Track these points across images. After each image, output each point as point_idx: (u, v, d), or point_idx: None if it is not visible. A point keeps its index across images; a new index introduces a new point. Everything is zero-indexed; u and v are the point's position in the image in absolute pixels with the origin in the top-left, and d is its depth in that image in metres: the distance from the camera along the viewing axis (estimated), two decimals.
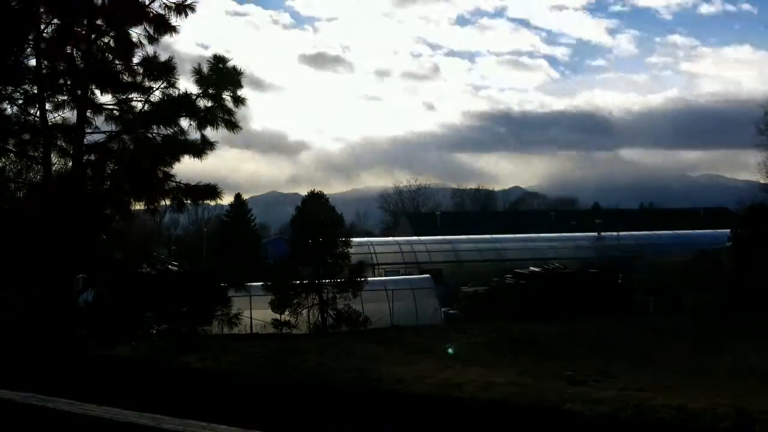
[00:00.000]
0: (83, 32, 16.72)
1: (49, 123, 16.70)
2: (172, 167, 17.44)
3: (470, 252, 43.19)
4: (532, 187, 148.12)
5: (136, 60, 16.73)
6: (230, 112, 17.31)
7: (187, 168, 17.77)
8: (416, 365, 18.85)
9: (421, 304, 28.70)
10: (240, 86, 17.26)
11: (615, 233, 44.28)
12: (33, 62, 16.83)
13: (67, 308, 16.58)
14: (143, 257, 18.45)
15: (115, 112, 17.25)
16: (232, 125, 17.45)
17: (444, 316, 28.97)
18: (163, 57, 17.02)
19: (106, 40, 16.99)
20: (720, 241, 38.29)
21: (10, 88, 16.64)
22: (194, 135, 17.38)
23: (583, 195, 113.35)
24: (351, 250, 28.39)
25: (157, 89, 17.08)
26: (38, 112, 16.53)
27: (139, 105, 17.26)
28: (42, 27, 16.57)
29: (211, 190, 17.58)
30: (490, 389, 16.24)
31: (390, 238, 50.29)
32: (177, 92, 17.20)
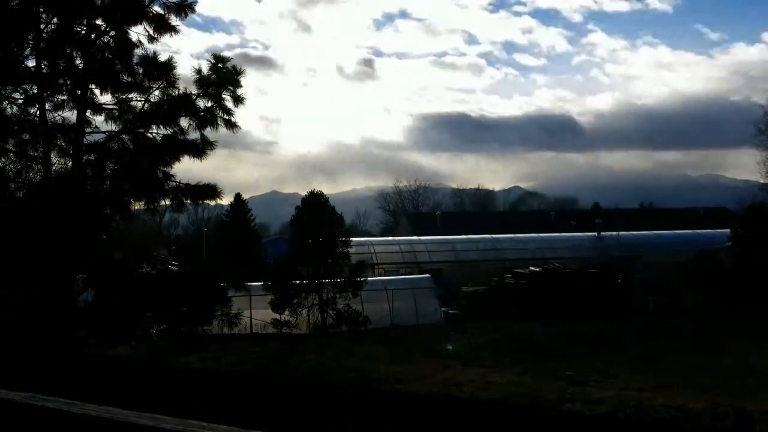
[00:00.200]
0: (83, 32, 16.72)
1: (49, 123, 16.69)
2: (171, 167, 17.45)
3: (470, 252, 43.20)
4: (532, 187, 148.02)
5: (135, 60, 16.74)
6: (230, 112, 17.32)
7: (183, 167, 17.82)
8: (416, 365, 18.85)
9: (421, 304, 28.71)
10: (240, 86, 17.27)
11: (615, 233, 44.28)
12: (33, 62, 16.84)
13: (67, 308, 16.58)
14: (143, 257, 18.45)
15: (114, 111, 17.25)
16: (232, 125, 17.46)
17: (444, 316, 28.98)
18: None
19: (106, 40, 16.99)
20: (720, 241, 38.28)
21: (10, 88, 16.64)
22: (194, 135, 17.41)
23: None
24: (351, 250, 28.39)
25: (156, 89, 17.08)
26: (38, 112, 16.53)
27: (139, 105, 17.26)
28: (42, 27, 16.56)
29: (211, 190, 17.58)
30: (490, 389, 16.23)
31: (390, 238, 50.30)
32: (177, 92, 17.21)
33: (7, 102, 16.72)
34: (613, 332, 24.61)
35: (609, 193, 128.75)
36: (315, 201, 28.87)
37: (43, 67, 16.77)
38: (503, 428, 15.16)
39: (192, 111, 17.15)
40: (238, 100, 17.32)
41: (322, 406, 16.28)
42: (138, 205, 17.70)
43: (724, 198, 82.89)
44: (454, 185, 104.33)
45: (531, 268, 33.86)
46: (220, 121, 17.32)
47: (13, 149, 17.00)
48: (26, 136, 17.02)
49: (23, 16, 16.12)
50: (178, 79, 17.11)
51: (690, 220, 56.40)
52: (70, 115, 17.11)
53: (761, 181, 47.73)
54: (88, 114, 17.03)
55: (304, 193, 30.08)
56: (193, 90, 17.18)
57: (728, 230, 36.43)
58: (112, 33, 16.86)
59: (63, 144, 17.10)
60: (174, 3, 16.48)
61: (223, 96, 17.23)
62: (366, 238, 47.16)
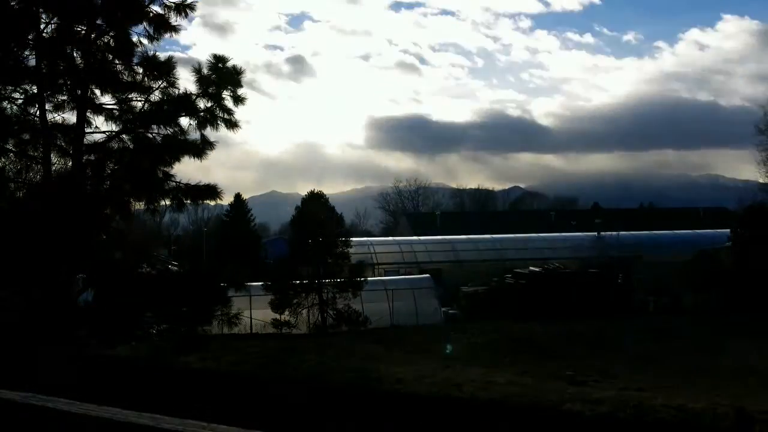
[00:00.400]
0: (83, 32, 16.72)
1: (49, 123, 16.69)
2: (172, 167, 17.46)
3: (470, 252, 43.20)
4: (532, 186, 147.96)
5: (135, 60, 16.74)
6: (230, 112, 17.33)
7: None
8: (416, 365, 18.84)
9: (420, 304, 28.71)
10: (240, 85, 17.28)
11: (615, 233, 44.27)
12: (33, 62, 16.83)
13: (67, 308, 16.58)
14: (143, 257, 18.45)
15: (115, 111, 17.25)
16: (232, 124, 17.47)
17: (444, 316, 28.98)
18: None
19: (106, 40, 16.99)
20: (720, 241, 38.27)
21: (10, 88, 16.64)
22: (194, 135, 17.41)
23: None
24: (351, 250, 28.39)
25: (157, 89, 17.09)
26: (38, 112, 16.53)
27: (139, 105, 17.27)
28: (42, 27, 16.56)
29: (211, 190, 17.59)
30: (490, 389, 16.22)
31: (390, 238, 50.30)
32: (177, 92, 17.21)
33: (7, 102, 16.72)
34: (613, 332, 24.60)
35: (609, 193, 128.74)
36: (315, 201, 28.87)
37: (43, 67, 16.77)
38: (503, 428, 15.16)
39: (192, 111, 17.15)
40: (238, 99, 17.33)
41: (322, 406, 16.28)
42: (138, 205, 17.72)
43: (724, 198, 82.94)
44: (453, 185, 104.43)
45: (531, 268, 33.85)
46: (220, 121, 17.33)
47: (13, 149, 17.00)
48: (26, 136, 17.02)
49: (23, 16, 16.12)
50: (178, 79, 17.13)
51: (690, 220, 56.40)
52: (70, 115, 17.12)
53: (761, 181, 47.77)
54: (88, 114, 17.03)
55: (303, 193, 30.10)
56: (193, 90, 17.20)
57: (728, 230, 36.42)
58: (112, 33, 16.86)
59: (63, 144, 17.10)
60: (174, 3, 16.48)
61: (224, 96, 17.24)
62: (366, 238, 47.16)
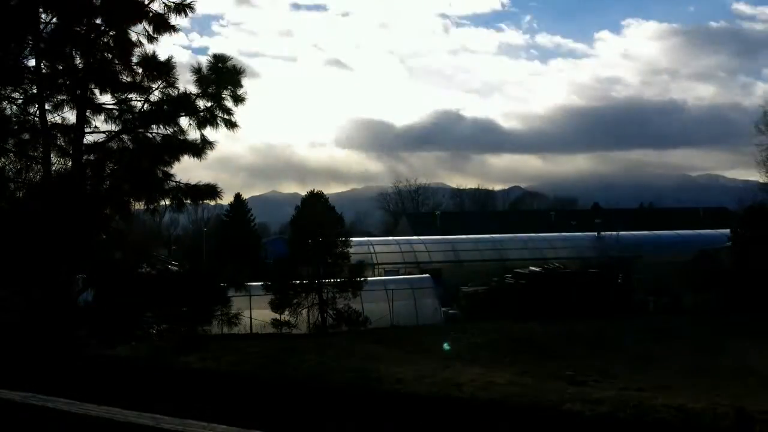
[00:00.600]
0: (83, 32, 16.71)
1: (49, 123, 16.68)
2: (171, 167, 17.45)
3: (470, 252, 43.19)
4: (532, 187, 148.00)
5: (135, 59, 16.73)
6: (230, 112, 17.32)
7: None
8: (416, 365, 18.84)
9: (420, 304, 28.69)
10: (240, 85, 17.26)
11: (615, 233, 44.27)
12: (33, 62, 16.83)
13: (67, 308, 16.57)
14: (143, 257, 18.43)
15: (114, 111, 17.25)
16: (232, 124, 17.46)
17: (444, 316, 28.97)
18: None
19: (105, 40, 16.98)
20: (720, 241, 38.26)
21: (9, 88, 16.63)
22: (194, 134, 17.41)
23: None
24: (351, 250, 28.37)
25: (156, 89, 17.08)
26: (38, 112, 16.52)
27: (139, 105, 17.25)
28: (42, 27, 16.55)
29: (210, 190, 17.58)
30: (490, 389, 16.23)
31: (390, 238, 50.28)
32: (176, 92, 17.21)
33: (6, 102, 16.72)
34: (613, 332, 24.60)
35: (609, 193, 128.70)
36: (315, 201, 28.87)
37: (42, 67, 16.77)
38: (503, 428, 15.16)
39: (192, 111, 17.14)
40: (238, 99, 17.32)
41: (322, 406, 16.27)
42: (138, 205, 17.71)
43: (724, 198, 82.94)
44: (453, 185, 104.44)
45: (531, 268, 33.84)
46: (220, 121, 17.32)
47: (13, 149, 16.99)
48: (26, 136, 17.01)
49: (23, 16, 16.11)
50: (177, 78, 17.12)
51: (690, 220, 56.39)
52: (70, 115, 17.11)
53: (761, 181, 47.76)
54: (87, 114, 17.03)
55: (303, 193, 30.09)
56: (193, 89, 17.19)
57: (728, 230, 36.42)
58: (112, 33, 16.85)
59: (63, 144, 17.10)
60: (174, 2, 16.47)
61: (223, 95, 17.23)
62: (366, 238, 47.09)
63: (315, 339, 23.89)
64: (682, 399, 15.02)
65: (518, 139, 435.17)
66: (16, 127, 16.79)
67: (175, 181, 17.39)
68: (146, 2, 16.50)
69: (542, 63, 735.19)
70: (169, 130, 17.22)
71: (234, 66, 17.14)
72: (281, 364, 19.27)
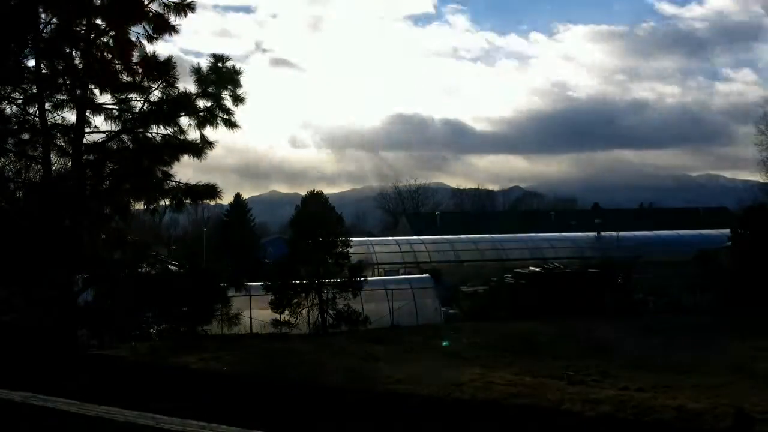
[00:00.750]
0: (83, 32, 16.72)
1: (49, 123, 16.70)
2: (171, 167, 17.47)
3: (470, 252, 43.20)
4: (532, 186, 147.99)
5: (135, 59, 16.74)
6: (229, 112, 17.33)
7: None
8: (416, 365, 18.84)
9: (420, 304, 28.68)
10: (239, 85, 17.30)
11: (615, 233, 44.27)
12: (32, 62, 16.85)
13: (67, 308, 16.58)
14: (143, 257, 18.45)
15: (114, 111, 17.26)
16: (232, 124, 17.47)
17: (444, 316, 28.95)
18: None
19: (105, 40, 16.99)
20: (720, 241, 38.25)
21: (9, 88, 16.64)
22: (194, 134, 17.42)
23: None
24: (351, 250, 28.36)
25: (156, 89, 17.09)
26: (38, 112, 16.53)
27: (139, 105, 17.27)
28: (42, 27, 16.56)
29: (210, 190, 17.60)
30: (489, 389, 16.22)
31: (390, 238, 50.24)
32: (176, 92, 17.22)
33: (6, 102, 16.72)
34: (612, 332, 24.59)
35: (606, 194, 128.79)
36: (315, 201, 28.86)
37: (42, 67, 16.77)
38: (503, 428, 15.16)
39: (192, 111, 17.16)
40: (238, 99, 17.34)
41: (322, 406, 16.27)
42: (138, 205, 17.73)
43: (724, 198, 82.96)
44: (453, 185, 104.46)
45: (531, 268, 33.83)
46: (219, 121, 17.33)
47: (13, 149, 17.00)
48: (26, 136, 17.03)
49: (23, 16, 16.11)
50: (177, 78, 17.13)
51: (690, 220, 56.41)
52: (70, 115, 17.14)
53: (761, 181, 47.77)
54: (87, 114, 17.04)
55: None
56: (193, 89, 17.20)
57: (728, 230, 36.40)
58: (112, 33, 16.86)
59: (62, 144, 17.12)
60: (173, 2, 16.47)
61: (223, 96, 17.24)
62: (366, 238, 47.10)
63: (315, 339, 23.88)
64: (682, 399, 15.02)
65: (494, 141, 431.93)
66: (16, 127, 16.81)
67: (175, 181, 17.41)
68: (146, 2, 16.51)
69: (487, 65, 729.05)
70: (169, 130, 17.25)
71: (233, 66, 17.19)
72: (281, 364, 19.26)
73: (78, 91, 16.83)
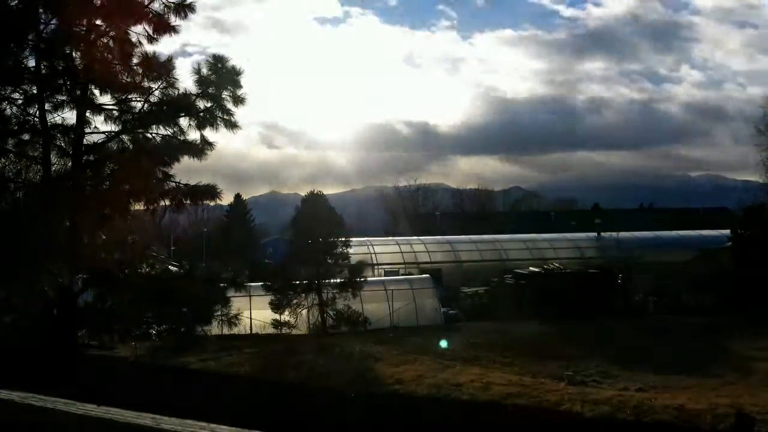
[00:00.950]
0: (83, 32, 16.71)
1: (49, 123, 16.68)
2: (171, 167, 17.45)
3: (470, 252, 43.15)
4: (532, 187, 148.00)
5: (135, 60, 16.73)
6: (229, 112, 17.32)
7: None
8: (416, 366, 18.84)
9: (421, 304, 28.66)
10: (239, 86, 17.26)
11: (615, 233, 44.24)
12: (32, 62, 16.83)
13: (67, 308, 16.58)
14: (143, 257, 18.44)
15: (114, 112, 17.24)
16: (232, 125, 17.46)
17: (444, 316, 28.94)
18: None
19: (105, 40, 16.98)
20: (720, 241, 38.23)
21: (9, 88, 16.63)
22: (194, 135, 17.41)
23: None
24: (351, 250, 28.34)
25: (156, 89, 17.08)
26: (38, 113, 16.52)
27: (139, 105, 17.26)
28: (42, 27, 16.56)
29: (210, 191, 17.58)
30: (489, 389, 16.24)
31: (390, 238, 50.18)
32: (176, 92, 17.21)
33: (6, 102, 16.71)
34: (612, 333, 24.60)
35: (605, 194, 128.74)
36: (314, 201, 28.84)
37: (42, 67, 16.76)
38: (503, 428, 15.16)
39: (191, 111, 17.15)
40: (238, 100, 17.32)
41: (322, 406, 16.28)
42: (138, 206, 17.70)
43: (724, 198, 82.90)
44: (453, 185, 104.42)
45: (531, 268, 33.83)
46: (219, 122, 17.32)
47: (13, 149, 16.99)
48: (26, 137, 17.02)
49: (23, 16, 16.11)
50: (177, 79, 17.12)
51: (690, 220, 56.38)
52: (70, 116, 17.11)
53: (761, 181, 47.69)
54: (87, 114, 17.02)
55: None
56: (193, 90, 17.19)
57: (728, 231, 36.37)
58: (112, 33, 16.84)
59: (62, 144, 17.09)
60: (174, 3, 16.46)
61: (223, 96, 17.23)
62: (366, 238, 47.02)
63: (315, 339, 23.88)
64: (682, 399, 15.03)
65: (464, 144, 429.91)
66: (16, 127, 16.79)
67: (175, 182, 17.39)
68: (146, 2, 16.50)
69: (416, 69, 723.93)
70: (169, 131, 17.23)
71: (233, 66, 17.15)
72: (281, 365, 19.27)
73: (78, 92, 16.81)
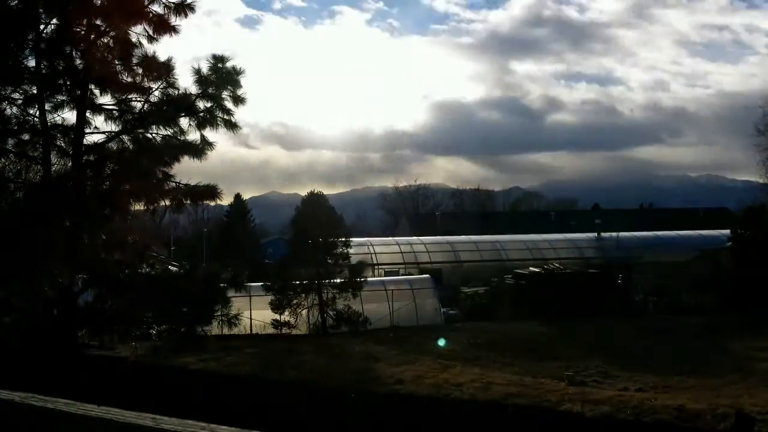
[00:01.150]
0: (83, 32, 16.71)
1: (49, 123, 16.69)
2: (171, 167, 17.46)
3: (470, 252, 43.14)
4: (531, 187, 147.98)
5: (135, 60, 16.73)
6: (229, 112, 17.32)
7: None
8: (416, 366, 18.84)
9: (421, 304, 28.66)
10: (239, 86, 17.28)
11: (615, 233, 44.25)
12: (33, 62, 16.83)
13: (67, 308, 16.58)
14: (143, 258, 18.44)
15: (114, 112, 17.25)
16: (232, 125, 17.47)
17: (444, 317, 28.94)
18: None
19: (105, 41, 16.98)
20: (720, 241, 38.22)
21: (9, 88, 16.63)
22: (194, 135, 17.42)
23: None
24: (351, 250, 28.34)
25: (156, 89, 17.09)
26: (38, 113, 16.52)
27: (139, 105, 17.27)
28: (42, 27, 16.56)
29: (210, 191, 17.59)
30: (489, 389, 16.24)
31: (390, 238, 50.19)
32: (176, 92, 17.21)
33: (7, 102, 16.72)
34: (613, 333, 24.60)
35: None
36: (315, 201, 28.85)
37: (42, 67, 16.76)
38: (503, 429, 15.16)
39: (192, 111, 17.15)
40: (238, 100, 17.33)
41: (322, 406, 16.28)
42: (138, 206, 17.71)
43: (724, 198, 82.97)
44: (453, 186, 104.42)
45: (531, 268, 33.81)
46: (219, 122, 17.33)
47: (13, 150, 16.99)
48: (26, 137, 17.02)
49: (23, 16, 16.11)
50: (177, 79, 17.13)
51: (690, 220, 56.37)
52: (70, 116, 17.13)
53: (761, 181, 47.72)
54: (87, 114, 17.04)
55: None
56: (193, 90, 17.19)
57: (728, 231, 36.36)
58: (112, 33, 16.85)
59: (62, 144, 17.10)
60: (174, 3, 16.47)
61: (223, 96, 17.24)
62: (366, 238, 46.99)
63: (315, 339, 23.89)
64: (682, 399, 15.03)
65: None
66: (16, 127, 16.79)
67: (175, 182, 17.40)
68: (146, 3, 16.51)
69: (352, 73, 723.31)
70: (169, 131, 17.24)
71: (233, 67, 17.16)
72: (281, 365, 19.26)
73: (78, 92, 16.82)
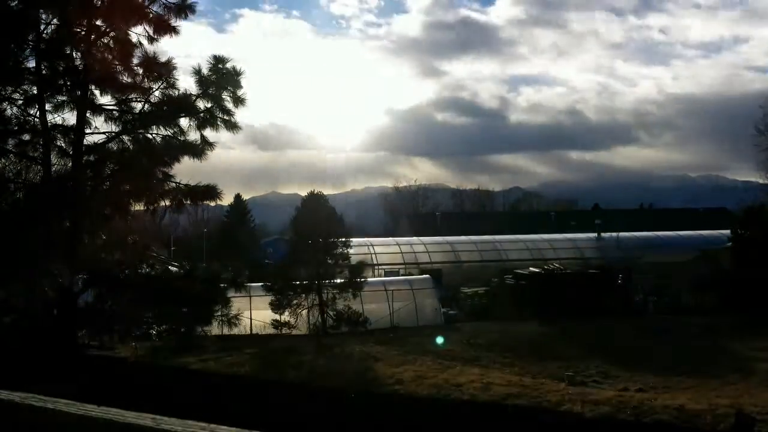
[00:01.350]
0: (83, 33, 16.72)
1: (49, 123, 16.70)
2: (171, 168, 17.47)
3: (470, 252, 43.15)
4: (531, 187, 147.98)
5: (135, 60, 16.74)
6: (230, 113, 17.33)
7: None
8: (416, 366, 18.84)
9: (421, 305, 28.66)
10: (240, 86, 17.28)
11: (615, 234, 44.26)
12: (33, 63, 16.84)
13: (67, 309, 16.58)
14: (143, 258, 18.45)
15: (114, 112, 17.26)
16: (232, 125, 17.47)
17: (444, 317, 28.94)
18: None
19: (105, 41, 16.99)
20: (720, 241, 38.22)
21: (10, 89, 16.64)
22: (194, 135, 17.42)
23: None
24: (351, 251, 28.33)
25: (156, 90, 17.09)
26: (38, 113, 16.53)
27: (139, 105, 17.27)
28: (42, 27, 16.57)
29: (210, 191, 17.59)
30: (489, 390, 16.23)
31: (390, 238, 50.20)
32: (177, 93, 17.22)
33: (7, 103, 16.72)
34: (612, 333, 24.60)
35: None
36: (315, 201, 28.85)
37: (42, 68, 16.77)
38: (503, 429, 15.16)
39: (192, 112, 17.16)
40: (238, 100, 17.33)
41: (322, 406, 16.27)
42: (138, 206, 17.72)
43: (724, 198, 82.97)
44: (453, 186, 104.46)
45: (531, 268, 33.81)
46: (220, 122, 17.33)
47: (13, 150, 17.00)
48: (26, 137, 17.03)
49: (23, 16, 16.12)
50: (177, 79, 17.14)
51: (690, 220, 56.38)
52: (70, 116, 17.14)
53: (761, 181, 47.74)
54: (88, 115, 17.04)
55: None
56: (193, 90, 17.20)
57: (728, 231, 36.37)
58: (112, 34, 16.86)
59: (63, 145, 17.11)
60: (174, 3, 16.48)
61: (223, 96, 17.24)
62: (366, 239, 47.00)
63: (315, 340, 23.88)
64: (682, 399, 15.03)
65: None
66: (16, 127, 16.80)
67: (175, 182, 17.40)
68: (146, 3, 16.52)
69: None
70: (169, 131, 17.24)
71: (234, 67, 17.17)
72: (281, 365, 19.26)
73: (78, 92, 16.83)
